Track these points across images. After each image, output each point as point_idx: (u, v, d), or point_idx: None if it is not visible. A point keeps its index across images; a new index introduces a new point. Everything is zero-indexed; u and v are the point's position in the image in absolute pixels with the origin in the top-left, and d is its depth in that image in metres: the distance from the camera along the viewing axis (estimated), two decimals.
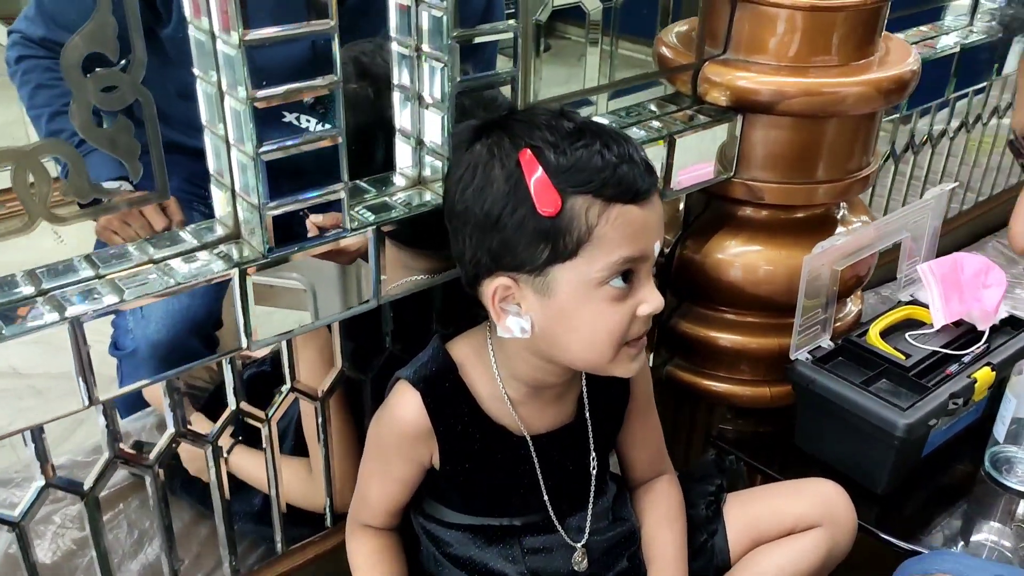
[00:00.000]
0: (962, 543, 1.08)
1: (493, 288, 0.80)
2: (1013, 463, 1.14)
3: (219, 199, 0.78)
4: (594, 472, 0.95)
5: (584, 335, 0.80)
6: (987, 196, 1.88)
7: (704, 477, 1.05)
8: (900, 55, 1.15)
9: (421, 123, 0.88)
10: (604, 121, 1.06)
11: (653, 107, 1.14)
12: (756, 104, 1.09)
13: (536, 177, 0.75)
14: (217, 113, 0.72)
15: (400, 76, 0.88)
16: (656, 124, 1.08)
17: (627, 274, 0.79)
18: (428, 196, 0.89)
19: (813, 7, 1.06)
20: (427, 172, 0.91)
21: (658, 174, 0.82)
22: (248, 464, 1.02)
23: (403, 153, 0.92)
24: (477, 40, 0.83)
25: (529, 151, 0.76)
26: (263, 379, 1.05)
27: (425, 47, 0.84)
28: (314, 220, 0.79)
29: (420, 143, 0.89)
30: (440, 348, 0.89)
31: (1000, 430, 1.14)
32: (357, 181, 0.88)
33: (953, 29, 1.47)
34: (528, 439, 0.90)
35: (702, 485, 1.03)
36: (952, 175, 1.74)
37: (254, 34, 0.65)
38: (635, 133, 1.05)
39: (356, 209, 0.84)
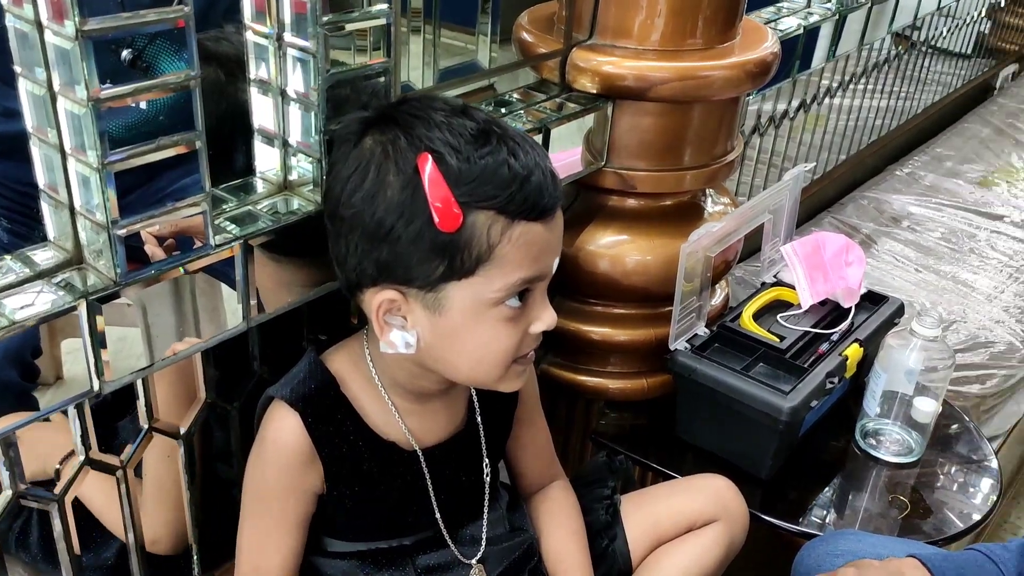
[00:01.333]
0: (848, 519, 1.10)
1: (378, 301, 0.73)
2: (881, 435, 1.18)
3: (52, 218, 0.66)
4: (487, 480, 0.90)
5: (473, 354, 0.74)
6: (821, 174, 1.96)
7: (596, 480, 1.02)
8: (759, 37, 1.15)
9: (286, 122, 0.78)
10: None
11: (518, 96, 1.09)
12: (626, 90, 1.06)
13: (437, 190, 0.68)
14: (47, 117, 0.60)
15: (257, 69, 0.78)
16: (530, 116, 1.03)
17: (523, 293, 0.74)
18: (297, 203, 0.80)
19: None
20: (294, 176, 0.81)
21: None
22: (100, 498, 0.90)
23: (265, 155, 0.82)
24: (349, 27, 0.74)
25: (430, 157, 0.69)
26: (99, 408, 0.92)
27: (288, 36, 0.75)
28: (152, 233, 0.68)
29: (286, 144, 0.80)
30: (316, 361, 0.81)
31: (871, 404, 1.17)
32: (215, 190, 0.77)
33: (792, 12, 1.50)
34: (420, 453, 0.83)
35: (596, 489, 1.00)
36: (782, 154, 1.79)
37: (95, 23, 0.54)
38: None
39: (218, 221, 0.74)
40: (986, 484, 1.14)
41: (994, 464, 1.17)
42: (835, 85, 1.79)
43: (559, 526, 0.94)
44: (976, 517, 1.08)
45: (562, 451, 1.33)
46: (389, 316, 0.74)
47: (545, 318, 0.76)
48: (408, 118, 0.71)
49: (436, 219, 0.68)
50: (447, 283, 0.71)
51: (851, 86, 1.88)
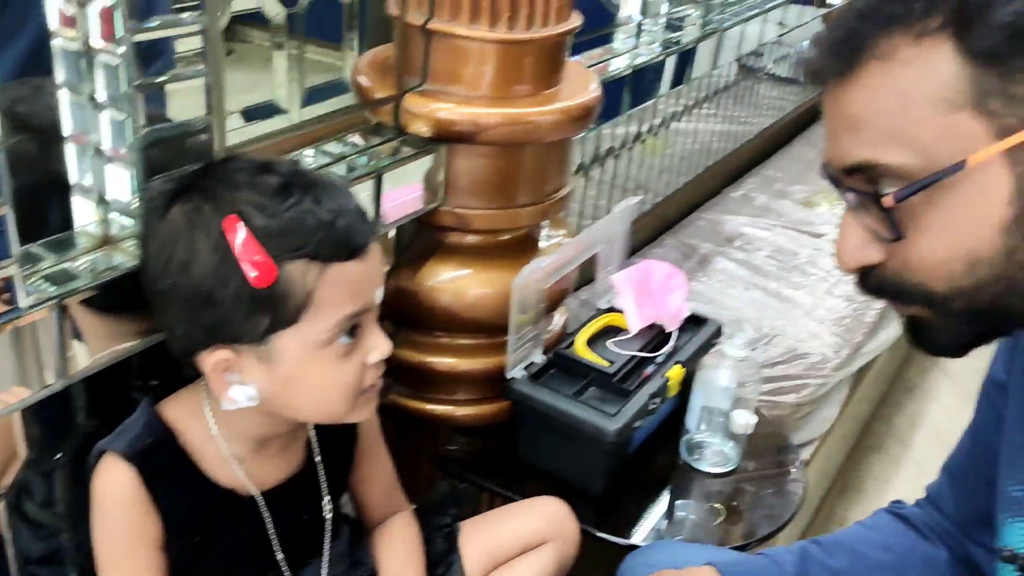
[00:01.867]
0: (671, 529, 1.19)
1: (212, 362, 0.76)
2: (704, 448, 1.28)
3: None
4: (328, 517, 0.93)
5: (317, 395, 0.78)
6: (663, 196, 2.07)
7: (438, 510, 1.07)
8: (583, 82, 1.23)
9: (102, 179, 0.80)
10: (310, 160, 1.04)
11: (358, 139, 1.13)
12: (458, 134, 1.12)
13: (246, 250, 0.71)
14: None
15: (72, 127, 0.80)
16: (362, 160, 1.07)
17: (352, 328, 0.78)
18: (119, 258, 0.82)
19: (502, 41, 1.10)
20: (115, 230, 0.83)
21: (371, 217, 0.82)
22: None
23: (84, 210, 0.83)
24: (162, 82, 0.77)
25: (234, 218, 0.72)
26: None
27: (101, 96, 0.77)
28: None
29: (103, 200, 0.81)
30: (152, 414, 0.83)
31: (691, 420, 1.27)
32: (29, 247, 0.78)
33: (622, 52, 1.60)
34: (257, 497, 0.86)
35: (437, 518, 1.05)
36: (631, 178, 1.90)
37: None
38: (340, 170, 1.03)
39: (31, 280, 0.75)
40: (794, 487, 1.25)
41: (801, 469, 1.29)
42: (679, 111, 1.91)
43: (396, 557, 0.99)
44: (785, 518, 1.19)
45: (412, 478, 1.37)
46: (226, 375, 0.77)
47: (379, 347, 0.80)
48: (210, 183, 0.75)
49: (250, 277, 0.71)
50: (275, 333, 0.75)
51: (695, 111, 2.02)
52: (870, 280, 0.66)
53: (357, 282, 0.77)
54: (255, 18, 1.22)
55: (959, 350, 0.67)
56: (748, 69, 2.30)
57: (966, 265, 0.60)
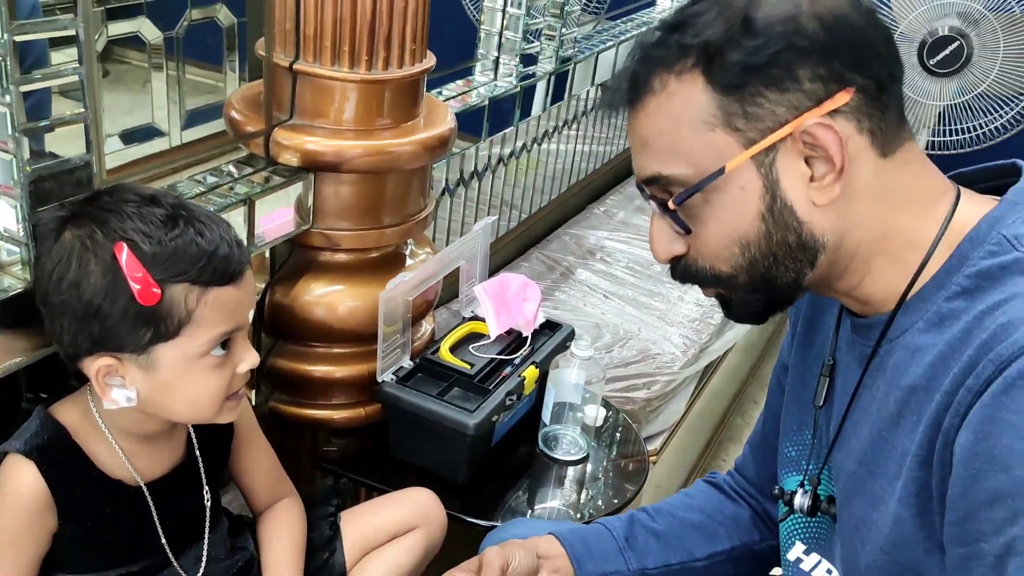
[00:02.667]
0: (530, 510, 1.33)
1: (96, 367, 0.86)
2: (559, 439, 1.43)
3: None
4: (208, 504, 1.03)
5: (190, 399, 0.89)
6: (528, 214, 2.23)
7: (323, 501, 1.18)
8: (440, 115, 1.37)
9: None
10: (187, 190, 1.14)
11: (232, 169, 1.24)
12: (324, 164, 1.24)
13: (133, 273, 0.82)
14: None
15: None
16: (239, 188, 1.18)
17: (226, 342, 0.89)
18: (8, 281, 0.91)
19: (362, 80, 1.23)
20: (4, 257, 0.92)
21: (244, 243, 0.93)
22: None
23: None
24: (45, 127, 0.86)
25: (125, 245, 0.82)
26: None
27: None
28: None
29: None
30: (47, 416, 0.92)
31: (547, 414, 1.41)
32: None
33: (482, 84, 1.75)
34: (144, 487, 0.96)
35: (322, 507, 1.16)
36: (499, 197, 2.05)
37: None
38: (216, 199, 1.14)
39: None
40: (638, 473, 1.42)
41: (646, 457, 1.45)
42: (539, 137, 2.07)
43: (278, 537, 1.09)
44: (626, 497, 1.35)
45: (294, 479, 1.47)
46: (108, 378, 0.87)
47: (248, 359, 0.92)
48: (102, 213, 0.84)
49: (138, 298, 0.82)
50: (156, 345, 0.86)
51: (563, 131, 2.19)
52: (678, 269, 0.81)
53: (232, 304, 0.88)
54: (134, 39, 1.30)
55: (758, 317, 0.82)
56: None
57: (740, 247, 0.76)
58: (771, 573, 1.06)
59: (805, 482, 0.87)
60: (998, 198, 0.74)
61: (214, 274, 0.86)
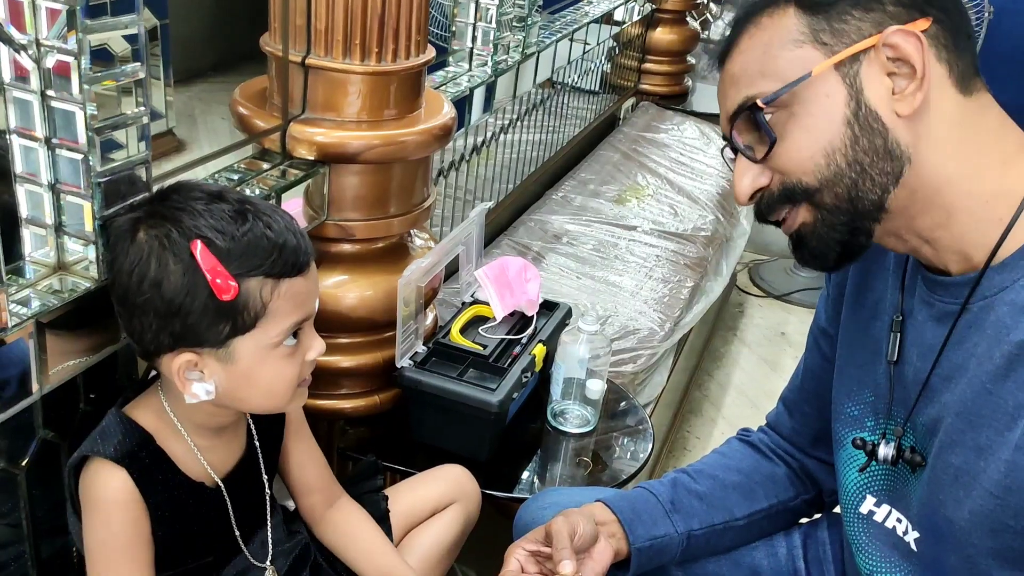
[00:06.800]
0: (548, 481, 1.38)
1: (177, 364, 0.87)
2: (566, 413, 1.49)
3: None
4: (268, 492, 1.06)
5: (266, 388, 0.92)
6: (496, 203, 2.28)
7: (368, 476, 1.21)
8: (439, 105, 1.41)
9: (58, 212, 0.90)
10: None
11: (244, 166, 1.25)
12: (340, 156, 1.27)
13: (213, 269, 0.84)
14: None
15: (25, 166, 0.89)
16: (263, 184, 1.20)
17: (296, 332, 0.92)
18: (74, 281, 0.91)
19: (372, 72, 1.26)
20: (69, 257, 0.92)
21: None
22: None
23: (31, 240, 0.92)
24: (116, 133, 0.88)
25: (200, 243, 0.84)
26: None
27: (58, 139, 0.87)
28: None
29: (60, 229, 0.91)
30: (127, 419, 0.93)
31: (556, 389, 1.47)
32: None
33: (461, 74, 1.79)
34: (222, 486, 0.98)
35: (370, 482, 1.19)
36: (463, 187, 2.09)
37: None
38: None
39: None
40: (644, 440, 1.49)
41: (649, 426, 1.53)
42: (504, 126, 2.12)
43: (364, 528, 1.12)
44: (638, 465, 1.41)
45: None
46: (188, 373, 0.88)
47: (317, 346, 0.96)
48: (174, 211, 0.86)
49: (216, 293, 0.84)
50: (234, 339, 0.88)
51: (517, 124, 2.24)
52: (763, 201, 0.85)
53: (303, 294, 0.91)
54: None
55: (832, 256, 0.84)
56: (555, 84, 2.55)
57: (825, 157, 0.79)
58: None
59: (888, 432, 0.89)
60: None
61: (285, 266, 0.89)
